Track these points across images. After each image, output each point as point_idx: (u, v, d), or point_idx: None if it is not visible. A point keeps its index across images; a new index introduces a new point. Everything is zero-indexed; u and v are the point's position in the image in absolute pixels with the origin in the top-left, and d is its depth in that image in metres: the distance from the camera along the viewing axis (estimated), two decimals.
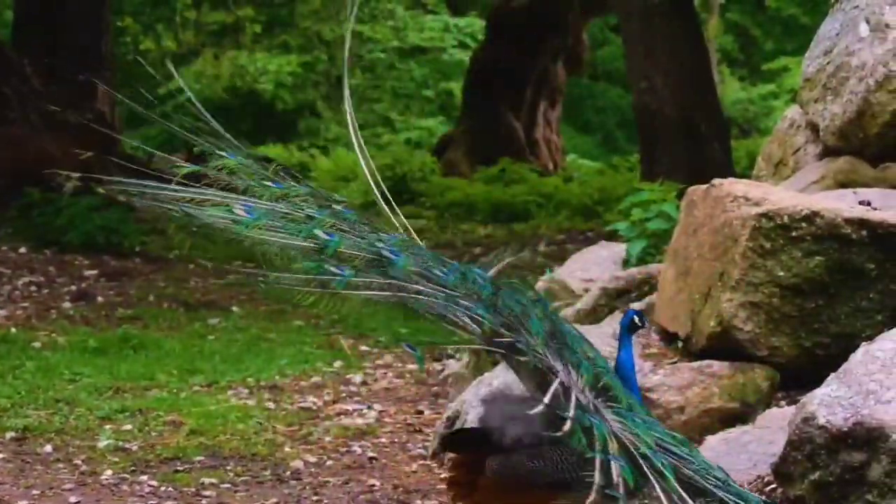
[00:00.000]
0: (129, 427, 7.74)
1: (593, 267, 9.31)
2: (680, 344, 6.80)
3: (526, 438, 4.41)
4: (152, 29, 32.47)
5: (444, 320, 4.69)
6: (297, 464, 7.10)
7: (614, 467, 4.39)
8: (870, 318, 6.31)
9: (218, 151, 5.04)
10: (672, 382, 6.45)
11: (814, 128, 8.28)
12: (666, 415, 6.36)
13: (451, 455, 4.82)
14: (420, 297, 4.72)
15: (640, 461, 4.47)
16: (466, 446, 4.68)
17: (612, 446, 4.44)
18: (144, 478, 6.81)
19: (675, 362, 6.66)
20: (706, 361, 6.53)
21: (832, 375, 5.37)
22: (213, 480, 6.78)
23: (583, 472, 4.35)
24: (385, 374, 9.42)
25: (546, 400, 4.38)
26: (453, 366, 8.82)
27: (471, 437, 4.69)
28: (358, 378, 9.22)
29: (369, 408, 8.30)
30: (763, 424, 5.96)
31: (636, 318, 5.20)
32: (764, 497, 4.97)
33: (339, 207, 5.01)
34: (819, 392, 5.27)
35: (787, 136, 8.62)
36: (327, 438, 7.61)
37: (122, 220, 14.80)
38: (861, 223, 6.31)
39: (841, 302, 6.34)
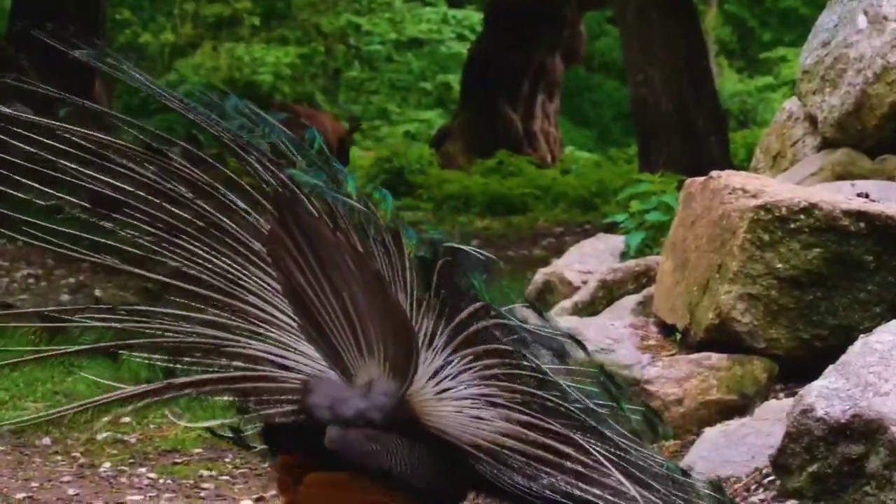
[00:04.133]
0: (127, 419, 7.74)
1: (591, 259, 9.29)
2: (678, 336, 6.79)
3: (360, 421, 4.02)
4: (152, 21, 32.45)
5: None
6: None
7: None
8: (868, 311, 6.31)
9: None
10: (670, 374, 6.45)
11: (812, 120, 8.28)
12: (664, 407, 6.36)
13: (278, 454, 4.27)
14: None
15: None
16: (288, 443, 4.21)
17: None
18: (143, 470, 6.81)
19: (674, 354, 6.66)
20: (704, 353, 6.53)
21: (830, 367, 5.37)
22: (212, 472, 6.78)
23: (412, 471, 4.03)
24: None
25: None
26: None
27: (290, 433, 4.22)
28: None
29: None
30: (761, 416, 5.96)
31: None
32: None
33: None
34: (817, 384, 5.27)
35: (785, 128, 8.62)
36: None
37: None
38: (859, 215, 6.31)
39: (839, 294, 6.34)
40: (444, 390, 4.07)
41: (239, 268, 4.24)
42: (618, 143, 30.49)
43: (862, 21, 7.82)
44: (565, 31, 25.55)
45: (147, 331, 4.34)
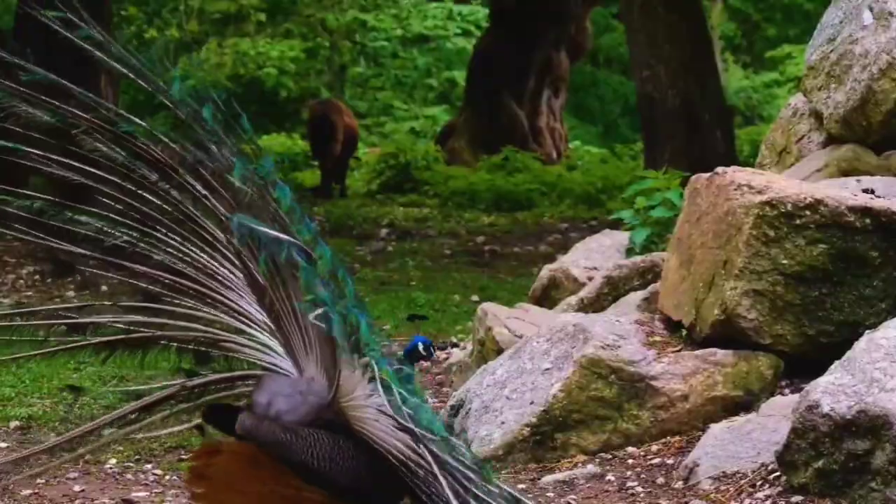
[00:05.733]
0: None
1: (597, 255, 9.30)
2: (684, 332, 6.79)
3: (288, 416, 4.04)
4: (157, 17, 32.45)
5: None
6: None
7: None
8: (873, 307, 6.31)
9: None
10: (676, 371, 6.45)
11: (817, 116, 8.28)
12: (670, 403, 6.37)
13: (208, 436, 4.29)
14: None
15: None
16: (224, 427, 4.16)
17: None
18: (149, 466, 6.81)
19: (679, 350, 6.66)
20: (710, 350, 6.53)
21: (836, 363, 5.37)
22: None
23: (332, 467, 4.00)
24: None
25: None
26: (457, 354, 8.83)
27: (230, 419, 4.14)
28: None
29: None
30: (767, 413, 5.96)
31: (421, 347, 4.51)
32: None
33: None
34: (823, 380, 5.27)
35: (790, 124, 8.61)
36: None
37: None
38: (864, 211, 6.30)
39: (844, 290, 6.34)
40: (370, 395, 4.02)
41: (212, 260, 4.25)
42: (624, 139, 30.48)
43: (867, 17, 7.81)
44: (570, 26, 25.56)
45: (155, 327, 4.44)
